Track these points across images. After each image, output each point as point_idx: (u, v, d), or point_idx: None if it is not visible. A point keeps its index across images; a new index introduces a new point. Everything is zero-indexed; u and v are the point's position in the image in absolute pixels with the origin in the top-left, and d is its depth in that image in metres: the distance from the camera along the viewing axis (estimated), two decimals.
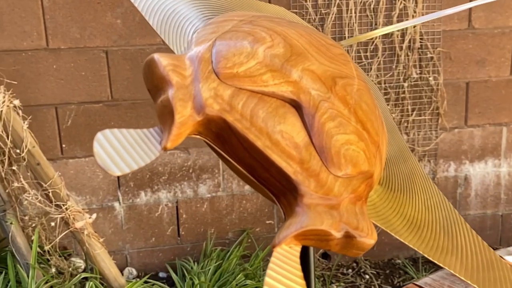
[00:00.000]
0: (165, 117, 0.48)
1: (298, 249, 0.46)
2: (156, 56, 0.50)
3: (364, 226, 0.49)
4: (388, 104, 1.93)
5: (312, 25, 1.86)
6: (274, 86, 0.54)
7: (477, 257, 0.63)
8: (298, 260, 0.45)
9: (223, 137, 0.50)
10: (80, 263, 1.86)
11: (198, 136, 0.50)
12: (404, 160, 0.75)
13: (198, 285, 1.81)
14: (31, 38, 1.75)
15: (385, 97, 1.93)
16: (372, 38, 1.87)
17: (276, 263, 0.43)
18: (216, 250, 1.96)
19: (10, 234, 1.65)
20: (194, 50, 0.54)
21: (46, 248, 1.70)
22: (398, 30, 1.86)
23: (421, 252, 0.57)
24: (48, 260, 1.73)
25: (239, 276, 1.85)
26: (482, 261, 0.64)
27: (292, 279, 0.43)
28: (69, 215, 1.67)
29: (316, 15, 1.84)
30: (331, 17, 1.84)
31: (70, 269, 1.76)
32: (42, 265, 1.73)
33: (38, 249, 1.69)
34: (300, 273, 0.44)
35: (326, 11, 1.84)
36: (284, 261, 0.44)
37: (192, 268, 1.89)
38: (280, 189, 0.50)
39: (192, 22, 0.62)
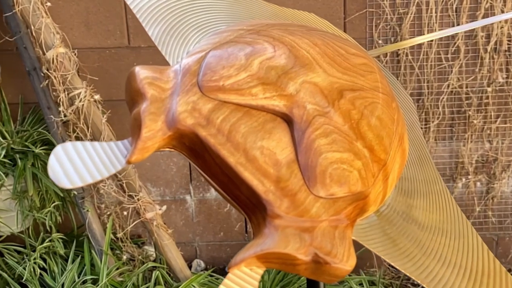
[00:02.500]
0: (134, 130, 0.49)
1: (260, 271, 0.45)
2: (137, 68, 0.51)
3: (339, 252, 0.47)
4: (469, 110, 1.81)
5: (389, 25, 1.79)
6: (264, 99, 0.53)
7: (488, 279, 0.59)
8: (256, 284, 0.44)
9: (196, 151, 0.50)
10: (152, 251, 1.95)
11: (172, 150, 0.50)
12: (427, 182, 0.71)
13: (261, 283, 1.83)
14: (114, 37, 1.85)
15: (467, 101, 1.81)
16: (454, 39, 1.76)
17: (229, 286, 0.43)
18: None
19: (87, 221, 1.77)
20: (183, 62, 0.54)
21: (119, 235, 1.80)
22: (482, 31, 1.74)
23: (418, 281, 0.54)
24: (121, 248, 1.83)
25: (303, 278, 1.85)
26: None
27: None
28: (140, 206, 1.76)
29: (394, 15, 1.77)
30: (410, 17, 1.76)
31: (140, 257, 1.85)
32: (117, 252, 1.84)
33: (112, 236, 1.79)
34: None
35: (404, 10, 1.76)
36: (239, 284, 0.43)
37: None
38: (251, 208, 0.49)
39: (198, 33, 0.62)
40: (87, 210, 1.76)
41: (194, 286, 1.74)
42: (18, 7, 1.62)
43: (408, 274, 0.53)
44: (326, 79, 0.58)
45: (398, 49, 1.80)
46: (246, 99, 0.52)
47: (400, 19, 1.78)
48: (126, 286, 1.72)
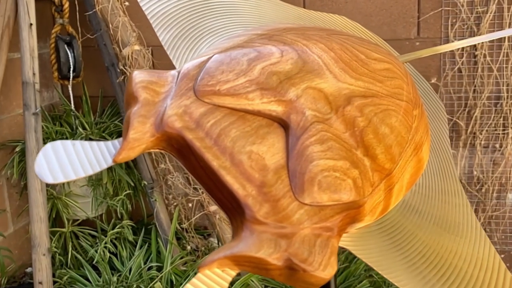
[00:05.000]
0: (124, 131, 0.51)
1: (232, 273, 0.46)
2: (135, 72, 0.54)
3: (316, 260, 0.46)
4: None
5: (465, 24, 1.70)
6: (261, 104, 0.53)
7: None
8: (225, 285, 0.45)
9: (183, 154, 0.52)
10: (216, 243, 2.00)
11: (162, 151, 0.52)
12: (444, 193, 0.67)
13: None
14: None
15: None
16: None
17: (196, 285, 0.44)
18: (345, 251, 1.94)
19: (155, 210, 1.85)
20: (184, 66, 0.55)
21: (184, 226, 1.87)
22: None
23: None
24: (186, 238, 1.90)
25: (364, 282, 1.81)
26: None
27: None
28: (204, 199, 1.81)
29: (471, 14, 1.68)
30: (489, 16, 1.66)
31: (204, 248, 1.91)
32: (183, 242, 1.91)
33: (178, 227, 1.86)
34: None
35: (483, 9, 1.67)
36: (206, 284, 0.44)
37: None
38: (232, 211, 0.50)
39: (211, 37, 0.63)
40: (155, 200, 1.84)
41: (253, 281, 1.77)
42: (98, 6, 1.73)
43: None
44: (334, 85, 0.58)
45: (475, 50, 1.71)
46: (242, 103, 0.52)
47: (478, 18, 1.68)
48: (189, 275, 1.78)
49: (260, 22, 0.71)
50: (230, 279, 0.46)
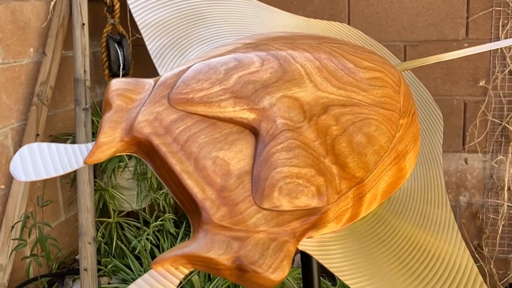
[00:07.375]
0: (97, 135, 0.54)
1: (185, 271, 0.48)
2: (114, 80, 0.56)
3: (266, 263, 0.47)
4: None
5: None
6: (233, 112, 0.54)
7: None
8: (176, 282, 0.47)
9: (151, 157, 0.54)
10: None
11: (134, 154, 0.55)
12: (427, 202, 0.66)
13: None
14: None
15: None
16: None
17: (147, 281, 0.46)
18: None
19: None
20: (163, 75, 0.58)
21: None
22: None
23: None
24: None
25: None
26: None
27: None
28: None
29: None
30: None
31: None
32: None
33: None
34: None
35: None
36: (158, 280, 0.47)
37: None
38: (192, 213, 0.52)
39: (201, 46, 0.65)
40: None
41: (288, 280, 1.78)
42: None
43: None
44: (312, 94, 0.58)
45: None
46: (214, 111, 0.54)
47: None
48: None
49: (253, 31, 0.73)
50: (182, 276, 0.48)
